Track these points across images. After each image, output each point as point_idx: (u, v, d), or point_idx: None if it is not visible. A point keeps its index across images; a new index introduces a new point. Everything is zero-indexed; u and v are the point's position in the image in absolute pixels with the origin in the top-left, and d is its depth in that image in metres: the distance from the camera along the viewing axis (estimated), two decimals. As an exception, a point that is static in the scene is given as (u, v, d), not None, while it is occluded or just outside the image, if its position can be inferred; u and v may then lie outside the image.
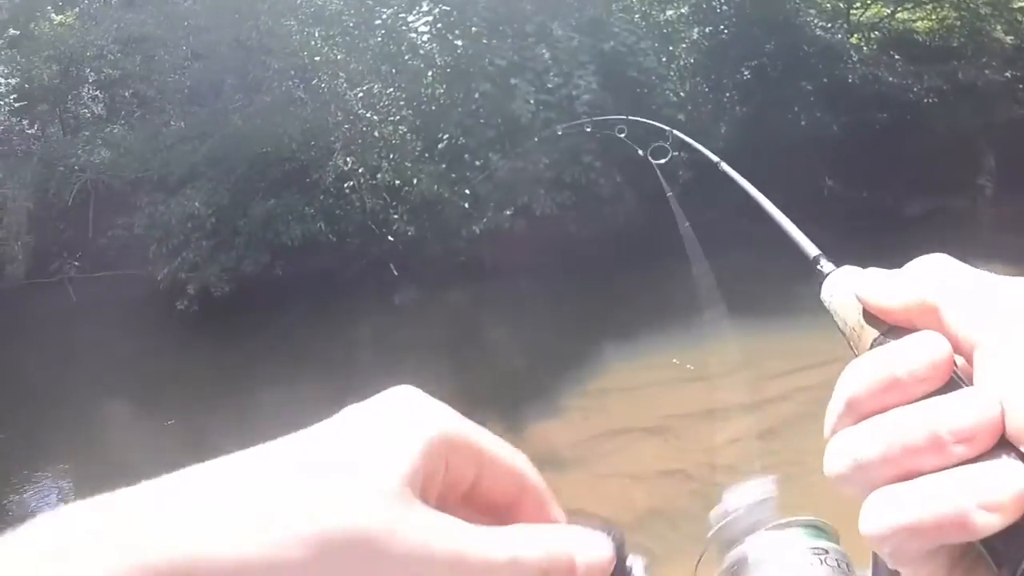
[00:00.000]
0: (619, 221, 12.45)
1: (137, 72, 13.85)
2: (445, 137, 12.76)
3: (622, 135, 3.04)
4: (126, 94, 14.28)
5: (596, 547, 0.50)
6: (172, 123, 13.64)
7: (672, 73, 14.34)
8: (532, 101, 12.20)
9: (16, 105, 13.48)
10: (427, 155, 12.78)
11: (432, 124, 12.97)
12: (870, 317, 0.54)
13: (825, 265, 0.74)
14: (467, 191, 12.38)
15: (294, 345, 10.57)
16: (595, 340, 9.52)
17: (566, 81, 12.57)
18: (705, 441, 7.12)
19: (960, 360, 0.47)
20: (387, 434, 0.46)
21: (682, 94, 14.31)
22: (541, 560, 0.47)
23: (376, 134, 12.64)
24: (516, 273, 12.30)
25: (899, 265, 0.55)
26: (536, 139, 11.05)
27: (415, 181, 12.37)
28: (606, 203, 12.43)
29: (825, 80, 14.47)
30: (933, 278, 0.50)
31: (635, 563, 0.54)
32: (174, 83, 13.75)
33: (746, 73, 14.78)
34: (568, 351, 9.42)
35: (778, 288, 9.94)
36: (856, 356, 0.54)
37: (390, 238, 12.53)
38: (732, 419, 7.35)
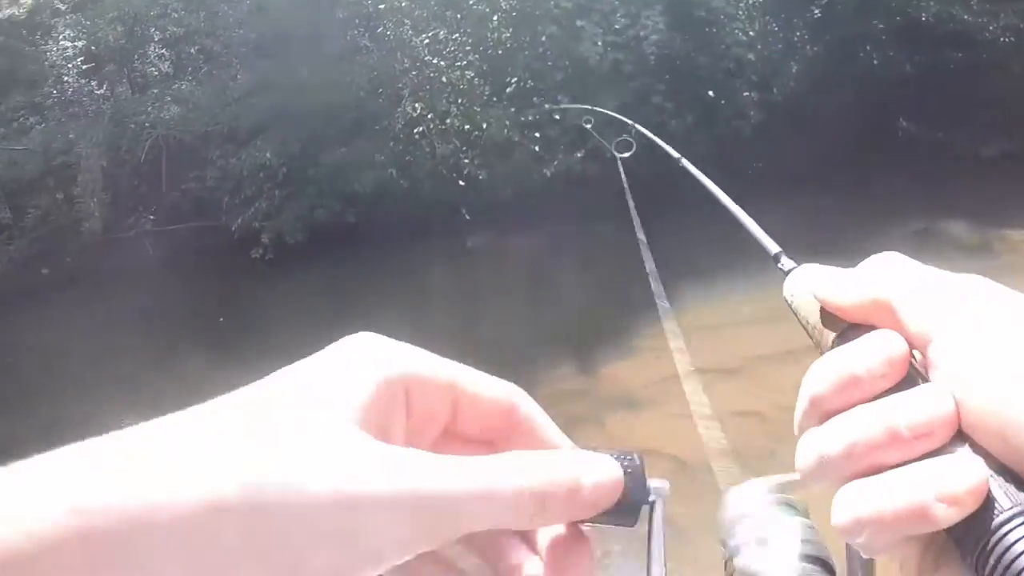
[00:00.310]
0: (690, 162, 12.30)
1: (202, 28, 13.98)
2: (513, 81, 12.67)
3: (588, 125, 3.04)
4: (192, 50, 14.40)
5: (602, 468, 0.47)
6: (239, 77, 13.76)
7: (741, 12, 14.00)
8: (600, 43, 12.06)
9: (84, 67, 13.71)
10: (495, 99, 12.73)
11: (499, 68, 12.88)
12: (829, 316, 0.56)
13: (785, 263, 0.75)
14: (537, 134, 12.30)
15: (368, 290, 10.68)
16: (670, 281, 9.38)
17: (633, 22, 12.39)
18: (780, 383, 7.06)
19: (919, 355, 0.49)
20: (334, 376, 0.45)
21: (751, 33, 13.98)
22: (536, 485, 0.44)
23: (444, 80, 12.60)
24: (588, 216, 12.23)
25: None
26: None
27: (485, 125, 12.34)
28: (677, 144, 12.26)
29: (898, 18, 13.99)
30: (886, 276, 0.52)
31: (657, 486, 0.50)
32: (239, 37, 13.85)
33: (816, 11, 14.36)
34: (641, 292, 9.26)
35: (859, 230, 9.81)
36: (820, 353, 0.56)
37: (461, 183, 12.54)
38: (804, 361, 7.25)
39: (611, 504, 0.46)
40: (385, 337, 0.49)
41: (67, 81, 13.67)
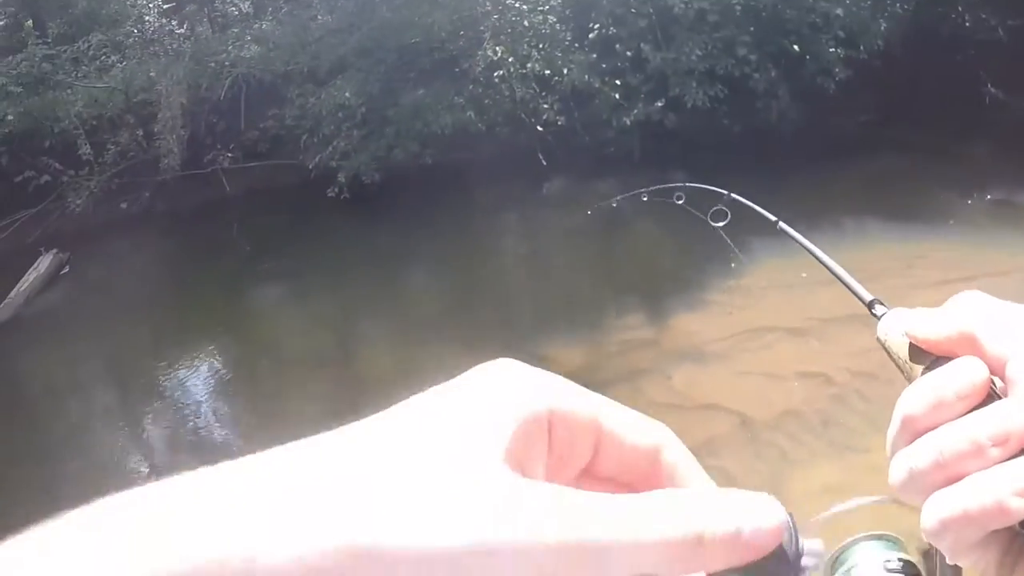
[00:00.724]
0: (772, 116, 12.06)
1: (283, -33, 14.04)
2: (595, 27, 12.49)
3: (680, 202, 2.95)
4: (272, -10, 14.50)
5: (765, 510, 0.42)
6: (319, 17, 13.83)
7: (829, -33, 13.60)
8: (685, -9, 11.82)
9: (165, 7, 13.90)
10: (577, 45, 12.58)
11: (582, 14, 12.71)
12: (917, 350, 0.63)
13: (878, 308, 0.85)
14: (618, 82, 12.16)
15: (442, 231, 10.76)
16: (743, 236, 9.28)
17: (720, -30, 12.09)
18: (847, 346, 6.99)
19: (1000, 382, 0.55)
20: (478, 407, 0.43)
21: (840, -12, 13.58)
22: (699, 530, 0.40)
23: (525, 23, 12.49)
24: (665, 166, 12.11)
25: None
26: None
27: (565, 71, 12.21)
28: (759, 97, 12.01)
29: (994, -21, 13.44)
30: (968, 311, 0.59)
31: (812, 548, 0.49)
32: (320, -23, 13.87)
33: (908, -30, 13.87)
34: (716, 244, 9.21)
35: (935, 197, 9.60)
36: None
37: (539, 128, 12.47)
38: (874, 329, 7.15)
39: (764, 553, 0.41)
40: (527, 366, 0.46)
41: (148, 20, 13.93)
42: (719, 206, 2.38)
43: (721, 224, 2.35)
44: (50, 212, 12.10)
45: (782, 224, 1.72)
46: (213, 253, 11.42)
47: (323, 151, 12.12)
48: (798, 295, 7.88)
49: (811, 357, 6.95)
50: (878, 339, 0.74)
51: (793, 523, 0.44)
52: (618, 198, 4.03)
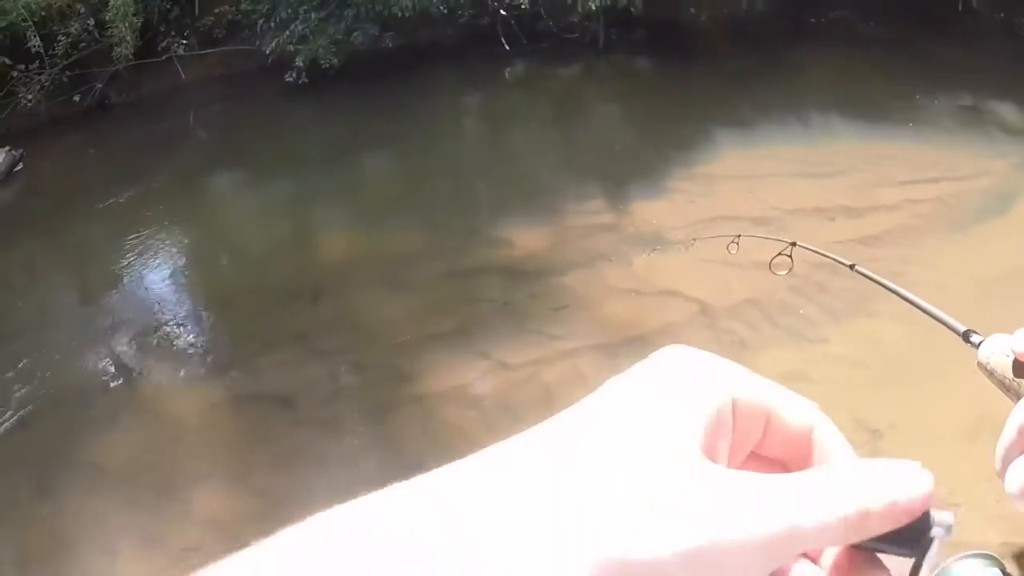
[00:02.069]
0: (740, 7, 11.88)
1: None
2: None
3: (734, 252, 2.85)
4: None
5: (916, 478, 0.43)
6: None
7: None
8: None
9: None
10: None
11: None
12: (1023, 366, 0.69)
13: (975, 338, 0.90)
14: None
15: (402, 116, 10.58)
16: (707, 126, 9.29)
17: None
18: (809, 238, 6.98)
19: None
20: (672, 398, 0.44)
21: None
22: (867, 504, 0.41)
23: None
24: (630, 54, 11.97)
25: None
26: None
27: (529, -48, 11.91)
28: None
29: None
30: None
31: (941, 519, 0.44)
32: None
33: None
34: (678, 134, 9.22)
35: (903, 96, 9.56)
36: (1015, 400, 0.68)
37: (502, 12, 12.21)
38: (839, 220, 7.22)
39: (914, 518, 0.43)
40: (703, 352, 0.47)
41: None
42: (780, 254, 2.30)
43: (783, 273, 2.27)
44: (1, 108, 11.72)
45: (859, 267, 1.76)
46: (169, 143, 11.19)
47: (280, 35, 11.81)
48: (762, 185, 7.88)
49: (772, 247, 6.95)
50: (979, 363, 0.80)
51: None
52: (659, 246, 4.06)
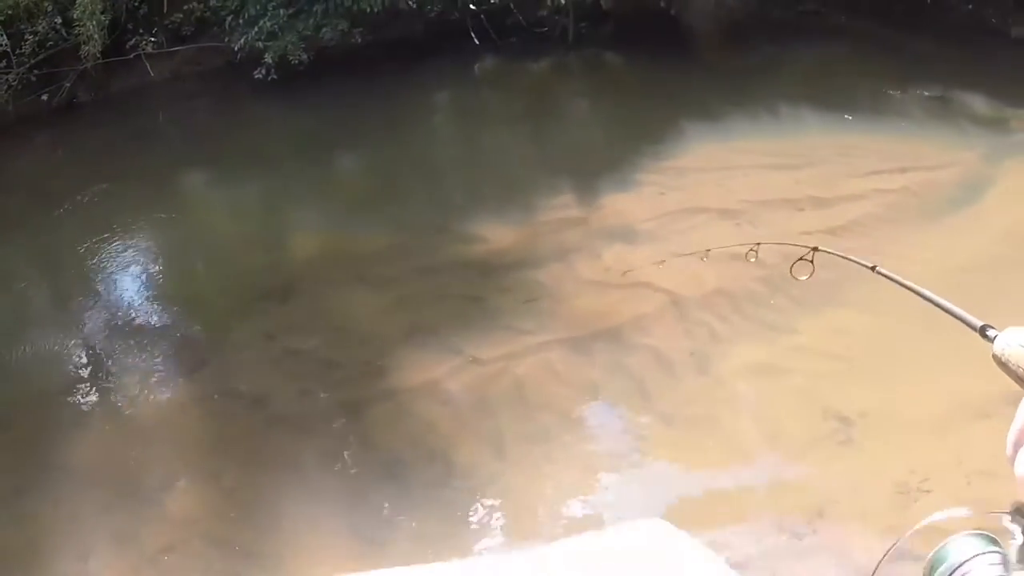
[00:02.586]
0: (710, 2, 11.91)
1: None
2: None
3: (753, 260, 2.86)
4: None
5: None
6: None
7: None
8: None
9: None
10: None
11: None
12: None
13: (990, 331, 0.97)
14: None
15: (372, 112, 10.55)
16: (677, 119, 9.31)
17: None
18: (779, 229, 7.05)
19: None
20: None
21: None
22: None
23: None
24: (600, 48, 11.97)
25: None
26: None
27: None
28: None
29: None
30: None
31: None
32: None
33: None
34: (649, 127, 9.24)
35: (872, 87, 9.63)
36: None
37: (472, 6, 12.18)
38: (807, 211, 7.26)
39: None
40: None
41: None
42: (802, 259, 2.29)
43: (805, 277, 2.27)
44: (-32, 108, 11.56)
45: (880, 268, 1.85)
46: (138, 142, 11.09)
47: (249, 32, 11.71)
48: (731, 177, 7.91)
49: (742, 238, 6.98)
50: (994, 356, 0.87)
51: None
52: (682, 254, 4.07)
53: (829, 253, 2.14)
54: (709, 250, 3.31)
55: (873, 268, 1.83)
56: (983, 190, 7.31)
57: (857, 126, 8.71)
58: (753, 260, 2.68)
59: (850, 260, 1.97)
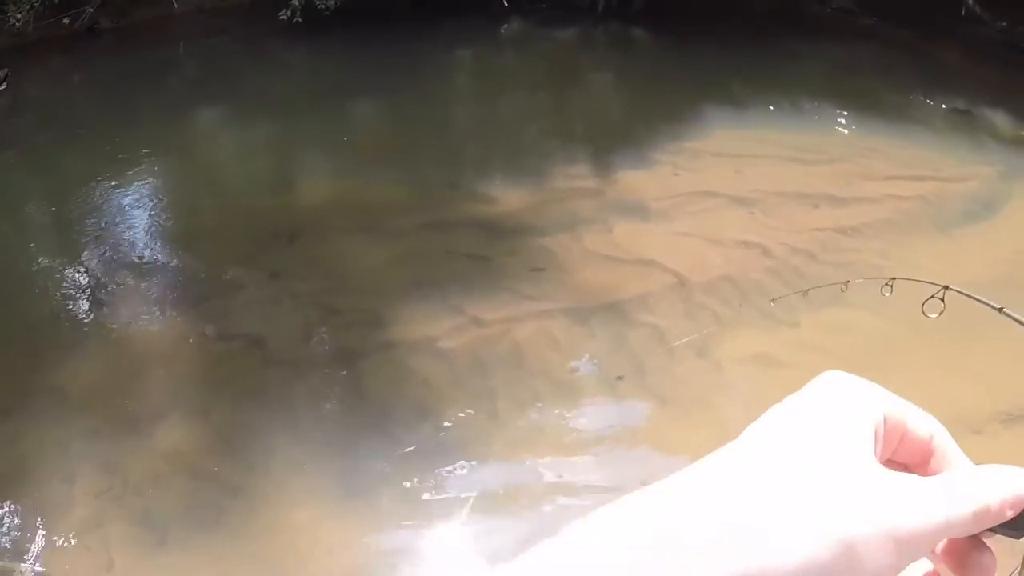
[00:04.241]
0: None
1: None
2: None
3: (888, 294, 2.80)
4: None
5: (1020, 480, 0.54)
6: None
7: None
8: None
9: None
10: None
11: None
12: None
13: None
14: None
15: (394, 64, 10.48)
16: (699, 103, 9.27)
17: None
18: (790, 222, 7.04)
19: None
20: (843, 419, 0.54)
21: None
22: (989, 502, 0.52)
23: None
24: (628, 23, 11.90)
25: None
26: None
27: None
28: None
29: None
30: None
31: None
32: None
33: None
34: (670, 107, 9.21)
35: (897, 92, 9.58)
36: None
37: (507, -35, 12.09)
38: (822, 207, 7.24)
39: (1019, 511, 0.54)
40: (855, 377, 0.57)
41: None
42: (933, 296, 2.26)
43: (935, 316, 2.24)
44: (-11, 27, 11.46)
45: (1007, 310, 1.83)
46: (157, 73, 11.01)
47: (278, -29, 11.61)
48: (748, 165, 7.89)
49: (752, 227, 6.98)
50: None
51: None
52: (810, 289, 4.08)
53: (960, 293, 2.13)
54: (848, 281, 3.28)
55: (1000, 310, 1.85)
56: (997, 207, 7.30)
57: (879, 129, 8.68)
58: (888, 294, 2.64)
59: (979, 301, 1.97)
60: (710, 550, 0.46)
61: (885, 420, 0.55)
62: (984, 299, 1.98)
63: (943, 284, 2.17)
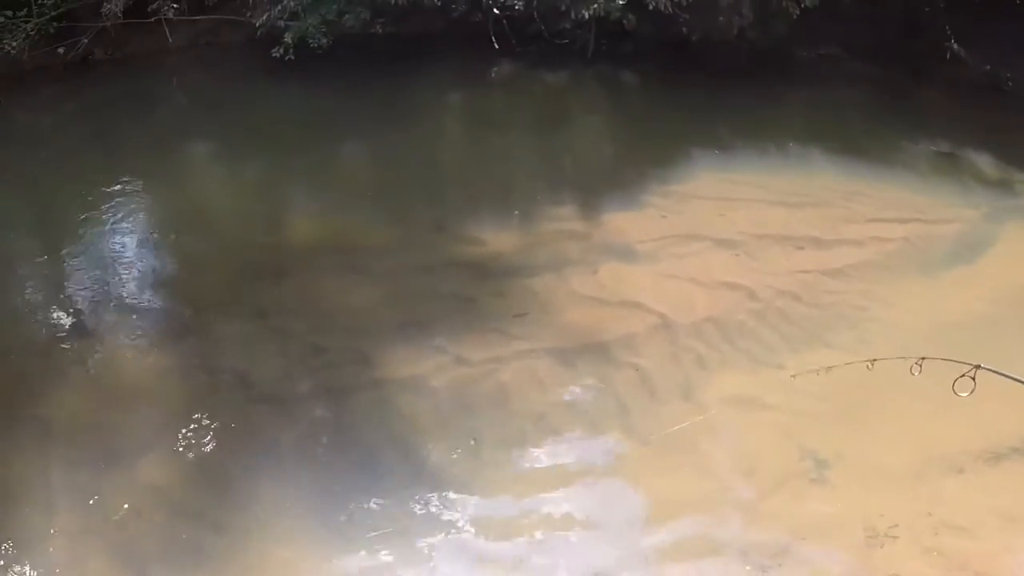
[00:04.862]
0: (732, 32, 11.94)
1: None
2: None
3: (917, 373, 2.83)
4: None
5: None
6: None
7: None
8: None
9: None
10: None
11: None
12: None
13: None
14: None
15: (383, 104, 10.58)
16: (686, 146, 9.37)
17: None
18: (774, 265, 7.10)
19: None
20: None
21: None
22: None
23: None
24: (617, 66, 12.00)
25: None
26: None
27: (530, -46, 11.90)
28: (722, 11, 11.81)
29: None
30: None
31: None
32: None
33: None
34: (657, 150, 9.30)
35: (882, 136, 9.70)
36: None
37: (496, 10, 12.20)
38: (807, 250, 7.30)
39: None
40: None
41: None
42: (964, 375, 2.27)
43: (966, 395, 2.24)
44: (-17, 53, 11.52)
45: None
46: (147, 106, 11.08)
47: (272, 9, 11.71)
48: (733, 208, 7.96)
49: (737, 270, 7.03)
50: None
51: None
52: (832, 367, 4.21)
53: (993, 372, 2.10)
54: (875, 360, 3.31)
55: None
56: (981, 249, 7.37)
57: (863, 172, 8.76)
58: (917, 374, 2.62)
59: (1015, 380, 1.97)
60: None
61: None
62: (1015, 376, 1.97)
63: (975, 364, 2.17)
